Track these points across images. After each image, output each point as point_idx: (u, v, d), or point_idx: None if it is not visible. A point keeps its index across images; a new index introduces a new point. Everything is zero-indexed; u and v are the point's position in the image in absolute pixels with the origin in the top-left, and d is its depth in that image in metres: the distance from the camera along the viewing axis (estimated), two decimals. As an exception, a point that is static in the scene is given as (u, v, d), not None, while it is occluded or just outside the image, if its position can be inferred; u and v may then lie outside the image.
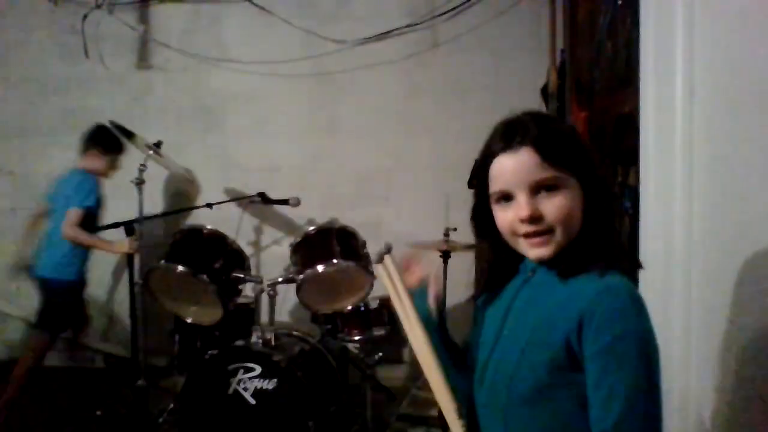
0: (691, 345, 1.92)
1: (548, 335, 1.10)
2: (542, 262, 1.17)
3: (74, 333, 3.93)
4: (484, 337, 1.26)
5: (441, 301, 1.33)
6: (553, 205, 1.11)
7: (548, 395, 1.09)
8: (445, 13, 4.08)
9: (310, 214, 3.94)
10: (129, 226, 3.24)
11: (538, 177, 1.11)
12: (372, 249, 3.10)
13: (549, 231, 1.12)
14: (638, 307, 1.05)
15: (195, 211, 3.77)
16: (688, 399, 1.94)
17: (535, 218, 1.11)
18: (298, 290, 2.87)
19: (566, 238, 1.13)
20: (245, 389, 2.67)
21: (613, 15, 2.68)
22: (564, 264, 1.13)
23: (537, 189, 1.12)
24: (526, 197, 1.12)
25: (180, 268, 2.84)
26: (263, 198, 3.75)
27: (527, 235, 1.14)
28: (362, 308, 3.23)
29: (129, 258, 3.26)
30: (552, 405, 1.10)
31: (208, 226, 3.01)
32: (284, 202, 3.71)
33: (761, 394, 1.56)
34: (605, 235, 1.13)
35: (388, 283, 1.31)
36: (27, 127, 4.43)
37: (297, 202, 3.70)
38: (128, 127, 3.43)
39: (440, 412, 1.23)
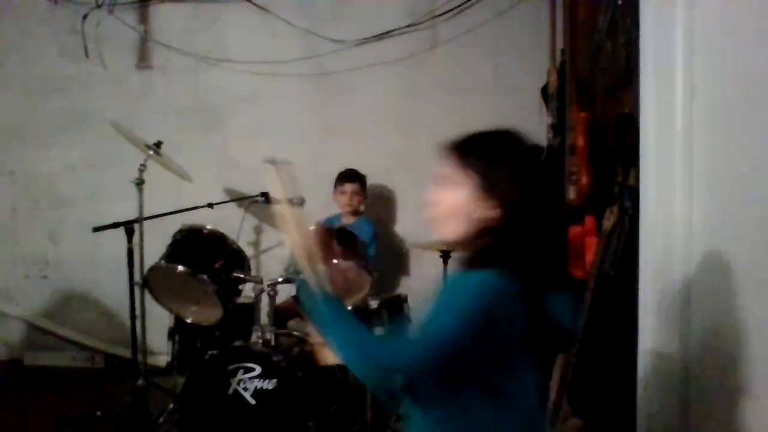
0: (691, 344, 1.92)
1: None
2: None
3: None
4: None
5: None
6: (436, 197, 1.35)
7: None
8: (445, 13, 4.07)
9: (310, 215, 3.94)
10: (128, 226, 3.24)
11: (444, 171, 1.33)
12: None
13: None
14: (469, 291, 1.22)
15: (195, 211, 3.77)
16: (688, 396, 1.94)
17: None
18: (298, 290, 2.87)
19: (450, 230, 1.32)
20: (245, 389, 2.67)
21: (613, 15, 2.68)
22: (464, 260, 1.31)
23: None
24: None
25: (180, 268, 2.84)
26: (267, 198, 3.74)
27: None
28: (362, 308, 3.23)
29: (129, 258, 3.26)
30: None
31: (208, 226, 3.01)
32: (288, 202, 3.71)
33: (760, 392, 1.56)
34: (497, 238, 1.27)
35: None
36: (27, 127, 4.43)
37: (300, 202, 3.69)
38: (128, 127, 3.43)
39: None
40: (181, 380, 2.92)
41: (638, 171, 2.14)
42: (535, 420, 1.39)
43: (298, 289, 1.37)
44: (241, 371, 2.67)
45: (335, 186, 3.83)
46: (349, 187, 3.78)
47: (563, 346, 1.42)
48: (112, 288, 4.19)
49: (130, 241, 3.26)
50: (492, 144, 1.34)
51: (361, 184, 3.85)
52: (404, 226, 4.17)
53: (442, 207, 1.34)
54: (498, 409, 1.28)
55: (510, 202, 1.27)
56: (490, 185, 1.28)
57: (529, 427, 1.35)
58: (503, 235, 1.27)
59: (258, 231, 4.29)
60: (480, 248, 1.29)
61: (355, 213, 3.83)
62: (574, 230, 2.68)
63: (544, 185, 1.33)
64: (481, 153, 1.32)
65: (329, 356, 1.48)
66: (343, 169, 3.85)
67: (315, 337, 1.53)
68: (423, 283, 3.82)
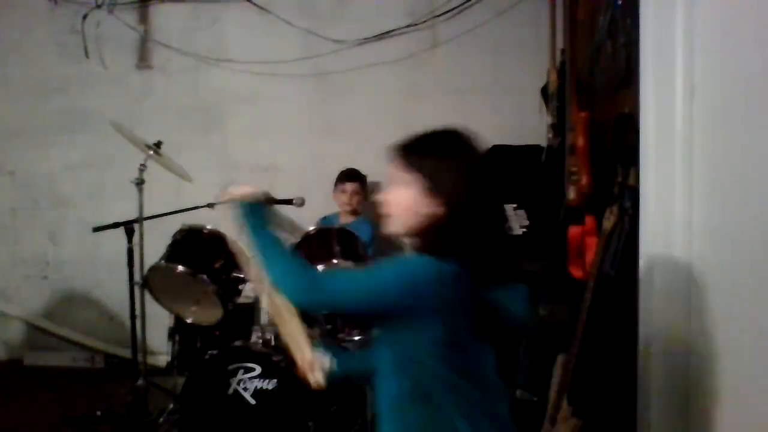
0: (692, 344, 1.92)
1: None
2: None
3: None
4: None
5: None
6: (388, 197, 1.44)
7: None
8: (445, 13, 4.07)
9: (310, 215, 3.93)
10: (128, 226, 3.24)
11: (393, 171, 1.42)
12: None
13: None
14: (400, 270, 1.36)
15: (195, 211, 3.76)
16: (688, 396, 1.94)
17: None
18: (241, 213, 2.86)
19: (402, 227, 1.41)
20: (245, 389, 2.67)
21: (613, 15, 2.68)
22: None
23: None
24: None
25: (180, 268, 2.84)
26: (267, 198, 3.73)
27: None
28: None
29: (129, 258, 3.26)
30: None
31: (208, 226, 3.01)
32: (288, 202, 3.69)
33: (761, 393, 1.56)
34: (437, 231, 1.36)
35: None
36: (27, 127, 4.43)
37: (301, 203, 3.68)
38: (128, 127, 3.43)
39: None
40: (181, 380, 2.92)
41: (638, 171, 2.14)
42: (494, 409, 1.44)
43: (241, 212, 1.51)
44: (241, 371, 2.67)
45: (335, 184, 3.83)
46: (349, 187, 3.78)
47: (518, 337, 1.51)
48: (112, 288, 4.19)
49: (130, 241, 3.26)
50: (436, 144, 1.41)
51: (362, 184, 3.85)
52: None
53: (392, 206, 1.42)
54: (458, 398, 1.36)
55: (454, 200, 1.34)
56: (435, 184, 1.35)
57: (490, 413, 1.42)
58: (448, 231, 1.34)
59: (258, 231, 4.28)
60: (427, 242, 1.37)
61: (354, 212, 3.83)
62: (574, 230, 2.68)
63: (490, 183, 1.40)
64: (426, 153, 1.40)
65: (319, 379, 1.58)
66: (344, 168, 3.85)
67: (302, 362, 1.63)
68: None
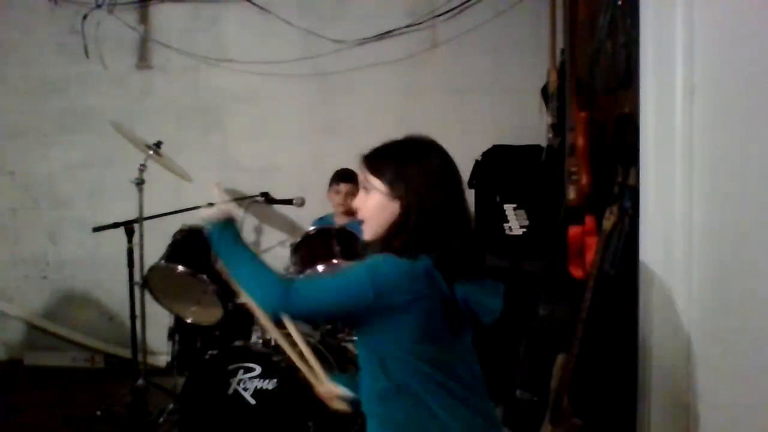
0: (692, 344, 1.92)
1: None
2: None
3: None
4: None
5: None
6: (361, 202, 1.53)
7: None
8: (445, 13, 4.08)
9: (310, 215, 3.94)
10: (128, 226, 3.25)
11: (361, 179, 1.54)
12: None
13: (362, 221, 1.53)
14: (370, 269, 1.43)
15: (195, 211, 3.77)
16: (688, 396, 1.94)
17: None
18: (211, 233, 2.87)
19: (373, 230, 1.51)
20: (245, 389, 2.67)
21: (613, 15, 2.68)
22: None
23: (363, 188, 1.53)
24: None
25: (180, 268, 2.84)
26: (267, 198, 3.74)
27: None
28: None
29: (129, 258, 3.27)
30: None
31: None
32: (288, 202, 3.71)
33: (761, 394, 1.56)
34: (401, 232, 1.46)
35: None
36: (27, 127, 4.43)
37: (301, 202, 3.69)
38: (128, 127, 3.44)
39: None
40: (181, 380, 2.92)
41: (638, 171, 2.14)
42: (476, 401, 1.50)
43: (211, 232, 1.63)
44: (241, 371, 2.67)
45: (330, 184, 3.81)
46: (344, 187, 3.76)
47: (489, 330, 1.55)
48: (112, 288, 4.20)
49: (130, 241, 3.26)
50: (396, 151, 1.53)
51: (356, 185, 3.83)
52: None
53: (363, 210, 1.52)
54: (439, 392, 1.43)
55: (414, 202, 1.44)
56: (395, 188, 1.46)
57: (472, 405, 1.48)
58: (410, 230, 1.44)
59: (258, 231, 4.29)
60: (394, 243, 1.45)
61: (348, 213, 3.82)
62: (574, 230, 2.68)
63: (452, 185, 1.50)
64: (386, 160, 1.51)
65: (341, 407, 1.71)
66: (339, 168, 3.84)
67: (321, 392, 1.79)
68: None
